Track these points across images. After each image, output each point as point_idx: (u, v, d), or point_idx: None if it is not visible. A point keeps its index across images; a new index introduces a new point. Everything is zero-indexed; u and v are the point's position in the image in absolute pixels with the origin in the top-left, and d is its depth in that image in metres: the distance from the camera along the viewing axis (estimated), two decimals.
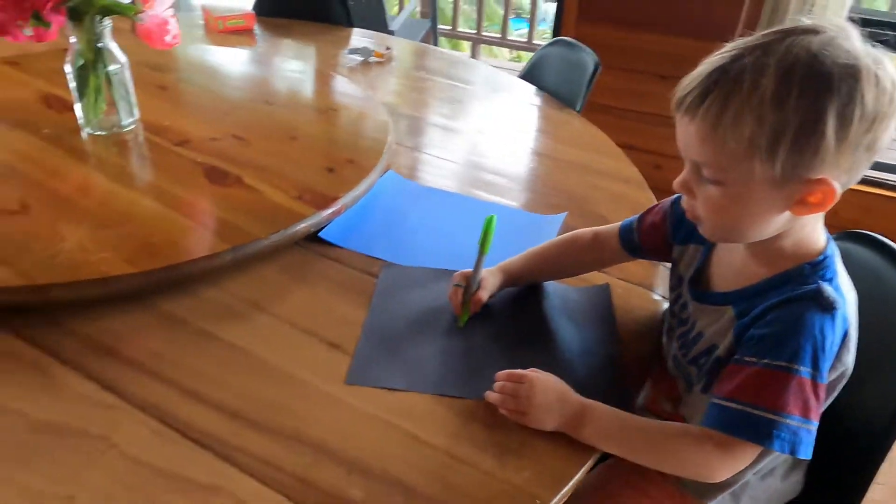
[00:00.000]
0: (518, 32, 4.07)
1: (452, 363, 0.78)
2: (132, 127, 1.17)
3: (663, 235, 0.84)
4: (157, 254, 0.86)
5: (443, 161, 1.27)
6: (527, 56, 3.91)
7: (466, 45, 3.79)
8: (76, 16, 1.01)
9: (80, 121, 1.16)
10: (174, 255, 0.86)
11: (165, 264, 0.84)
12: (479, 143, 1.37)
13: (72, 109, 1.23)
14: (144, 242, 0.88)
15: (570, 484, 0.65)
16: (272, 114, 1.31)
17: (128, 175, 1.04)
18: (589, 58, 1.60)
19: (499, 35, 3.54)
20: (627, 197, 1.17)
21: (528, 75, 1.76)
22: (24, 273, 0.81)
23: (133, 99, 1.16)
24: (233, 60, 1.56)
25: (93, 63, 1.09)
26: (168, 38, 1.07)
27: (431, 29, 3.47)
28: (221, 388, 0.73)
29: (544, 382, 0.70)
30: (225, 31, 1.85)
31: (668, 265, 0.98)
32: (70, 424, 0.68)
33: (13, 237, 0.87)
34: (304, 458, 0.66)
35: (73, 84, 1.11)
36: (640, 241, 0.86)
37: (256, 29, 1.88)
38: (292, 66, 1.59)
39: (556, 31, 2.45)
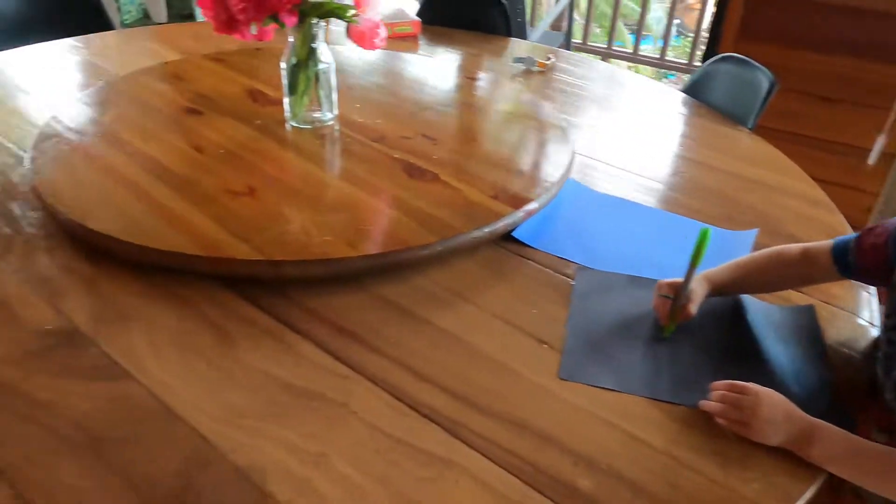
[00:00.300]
0: (643, 48, 4.01)
1: (662, 369, 0.79)
2: (331, 122, 1.25)
3: (885, 258, 0.81)
4: (373, 240, 0.92)
5: (612, 168, 1.27)
6: (645, 71, 3.87)
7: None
8: (301, 17, 1.10)
9: (287, 114, 1.25)
10: (389, 243, 0.92)
11: (384, 250, 0.90)
12: (645, 154, 1.37)
13: (274, 103, 1.33)
14: (360, 229, 0.94)
15: (801, 501, 0.64)
16: (454, 116, 1.36)
17: (335, 166, 1.11)
18: (763, 76, 1.56)
19: (629, 51, 3.51)
20: (818, 219, 1.13)
21: (692, 90, 1.73)
22: (259, 249, 0.89)
23: (335, 97, 1.24)
24: (405, 64, 1.63)
25: (305, 61, 1.18)
26: (377, 41, 1.14)
27: (565, 42, 3.48)
28: (440, 368, 0.78)
29: (770, 396, 0.70)
30: (393, 36, 1.94)
31: (871, 289, 0.95)
32: (311, 389, 0.74)
33: (246, 216, 0.96)
34: (529, 443, 0.69)
35: (284, 80, 1.21)
36: (855, 262, 0.83)
37: (420, 37, 1.96)
38: (463, 71, 1.65)
39: (712, 48, 2.40)
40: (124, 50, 1.73)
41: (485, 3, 2.10)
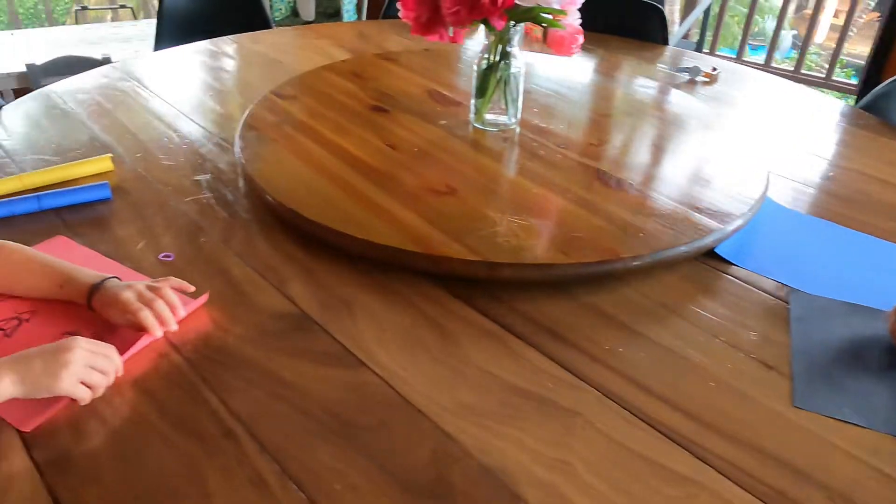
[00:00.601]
0: (755, 58, 3.83)
1: None
2: (514, 126, 1.26)
3: None
4: (584, 247, 0.91)
5: (797, 184, 1.21)
6: None
7: None
8: (508, 21, 1.10)
9: (471, 115, 1.27)
10: (600, 252, 0.91)
11: (597, 259, 0.89)
12: (822, 169, 1.30)
13: (455, 104, 1.35)
14: (570, 236, 0.94)
15: None
16: (635, 124, 1.34)
17: (527, 169, 1.11)
18: None
19: (759, 61, 3.36)
20: None
21: (872, 106, 1.63)
22: (473, 249, 0.90)
23: (520, 101, 1.24)
24: (572, 69, 1.62)
25: (497, 64, 1.19)
26: (574, 47, 1.14)
27: (697, 51, 3.39)
28: (666, 385, 0.76)
29: None
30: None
31: None
32: (542, 394, 0.74)
33: (452, 215, 0.97)
34: (777, 473, 0.66)
35: (474, 81, 1.22)
36: None
37: None
38: (630, 78, 1.62)
39: (877, 69, 2.26)
40: (297, 46, 1.81)
41: (643, 10, 2.06)
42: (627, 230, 0.96)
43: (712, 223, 0.98)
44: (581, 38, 1.14)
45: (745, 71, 1.90)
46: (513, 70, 1.20)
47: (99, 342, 0.71)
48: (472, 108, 1.26)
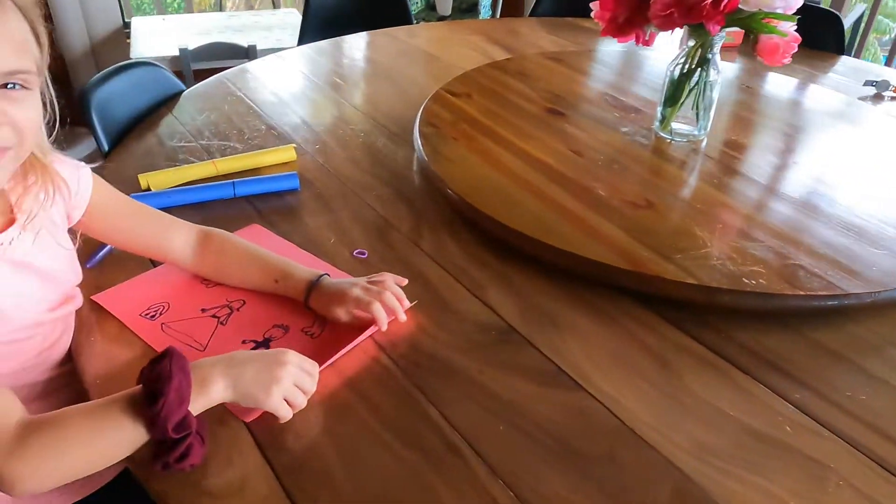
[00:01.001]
0: None
1: None
2: (702, 138, 1.18)
3: None
4: (808, 278, 0.83)
5: None
6: None
7: None
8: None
9: (656, 123, 1.20)
10: (827, 284, 0.82)
11: (826, 292, 0.81)
12: None
13: (635, 111, 1.28)
14: (790, 264, 0.86)
15: None
16: (832, 141, 1.23)
17: (727, 186, 1.04)
18: None
19: None
20: None
21: None
22: (687, 270, 0.84)
23: (712, 112, 1.16)
24: (752, 79, 1.52)
25: (693, 71, 1.12)
26: (786, 56, 1.05)
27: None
28: None
29: None
30: (728, 45, 1.82)
31: None
32: (781, 439, 0.67)
33: (656, 231, 0.91)
34: None
35: (664, 88, 1.15)
36: None
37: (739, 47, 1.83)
38: (811, 89, 1.50)
39: None
40: (451, 41, 1.78)
41: (818, 17, 1.92)
42: (856, 261, 0.87)
43: None
44: (795, 47, 1.05)
45: None
46: (710, 79, 1.12)
47: (306, 359, 0.69)
48: (658, 115, 1.19)
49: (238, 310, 0.81)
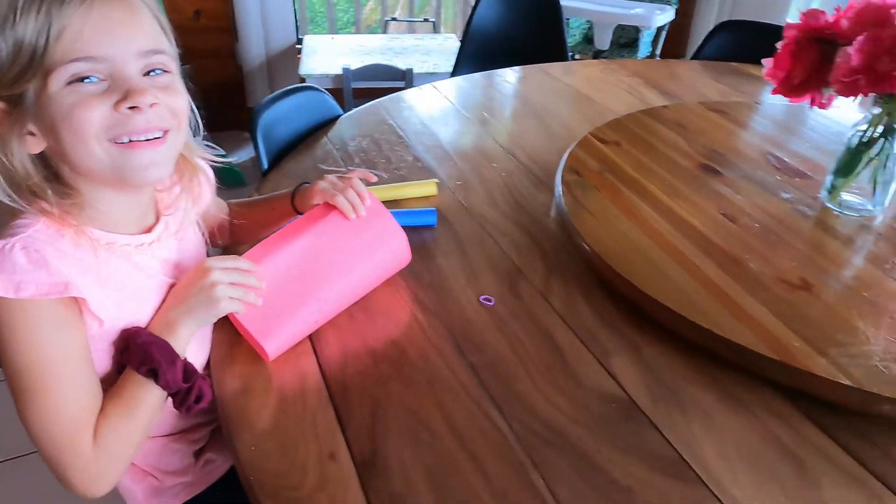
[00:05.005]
0: None
1: None
2: (877, 214, 1.07)
3: None
4: None
5: None
6: None
7: None
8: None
9: (823, 192, 1.10)
10: None
11: None
12: None
13: (800, 175, 1.19)
14: None
15: None
16: None
17: None
18: None
19: None
20: None
21: None
22: (842, 368, 0.75)
23: (893, 187, 1.05)
24: None
25: (875, 141, 1.01)
26: None
27: None
28: None
29: None
30: None
31: None
32: None
33: (811, 318, 0.83)
34: None
35: (840, 155, 1.06)
36: None
37: None
38: None
39: None
40: (606, 82, 1.75)
41: None
42: None
43: None
44: None
45: None
46: (895, 151, 1.01)
47: (224, 256, 0.75)
48: (828, 184, 1.09)
49: None
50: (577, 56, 2.93)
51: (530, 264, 0.99)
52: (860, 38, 0.88)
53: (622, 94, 1.66)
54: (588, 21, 2.92)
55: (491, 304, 0.91)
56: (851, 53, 0.89)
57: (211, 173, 0.85)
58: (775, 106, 1.52)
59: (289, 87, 1.41)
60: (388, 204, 1.11)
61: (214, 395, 0.72)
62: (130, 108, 0.62)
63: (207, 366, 0.80)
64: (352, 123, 1.46)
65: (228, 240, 0.98)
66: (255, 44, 2.94)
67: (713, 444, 0.71)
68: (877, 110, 1.00)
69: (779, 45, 1.01)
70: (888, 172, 1.03)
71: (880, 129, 1.01)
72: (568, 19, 2.88)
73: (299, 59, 2.86)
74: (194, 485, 0.84)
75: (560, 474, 0.67)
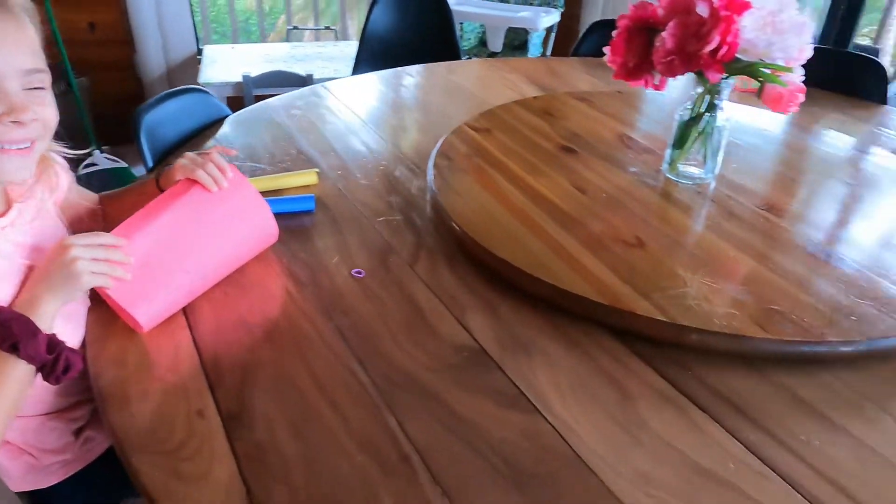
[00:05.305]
0: None
1: None
2: (709, 181, 1.20)
3: None
4: (784, 323, 0.85)
5: None
6: None
7: None
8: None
9: (664, 165, 1.23)
10: (803, 331, 0.84)
11: (800, 338, 0.82)
12: None
13: (647, 151, 1.32)
14: (768, 309, 0.88)
15: None
16: (850, 194, 1.23)
17: (722, 229, 1.06)
18: None
19: None
20: None
21: None
22: (661, 308, 0.86)
23: (720, 157, 1.19)
24: (768, 122, 1.52)
25: (701, 116, 1.15)
26: (792, 105, 1.07)
27: None
28: (867, 488, 0.68)
29: None
30: (748, 91, 1.83)
31: None
32: (722, 476, 0.69)
33: (640, 269, 0.95)
34: None
35: (674, 131, 1.19)
36: None
37: None
38: (837, 137, 1.50)
39: None
40: (490, 78, 1.86)
41: (858, 63, 1.90)
42: (837, 310, 0.88)
43: None
44: (801, 97, 1.07)
45: None
46: (718, 124, 1.15)
47: (87, 234, 0.78)
48: (667, 157, 1.22)
49: None
50: (472, 58, 3.06)
51: (402, 241, 1.07)
52: (671, 23, 1.01)
53: (503, 89, 1.77)
54: (482, 25, 3.05)
55: (361, 276, 0.98)
56: (665, 38, 1.01)
57: (65, 164, 0.90)
58: (639, 95, 1.67)
59: (174, 89, 1.45)
60: (270, 193, 1.18)
61: (86, 364, 0.77)
62: (13, 121, 0.68)
63: (84, 346, 0.84)
64: (239, 123, 1.50)
65: (104, 230, 1.02)
66: (153, 55, 2.93)
67: (549, 379, 0.81)
68: (699, 89, 1.13)
69: (614, 33, 1.14)
70: (715, 143, 1.17)
71: (704, 105, 1.14)
72: (461, 24, 3.00)
73: (199, 68, 2.87)
74: (73, 462, 0.88)
75: (411, 413, 0.75)
